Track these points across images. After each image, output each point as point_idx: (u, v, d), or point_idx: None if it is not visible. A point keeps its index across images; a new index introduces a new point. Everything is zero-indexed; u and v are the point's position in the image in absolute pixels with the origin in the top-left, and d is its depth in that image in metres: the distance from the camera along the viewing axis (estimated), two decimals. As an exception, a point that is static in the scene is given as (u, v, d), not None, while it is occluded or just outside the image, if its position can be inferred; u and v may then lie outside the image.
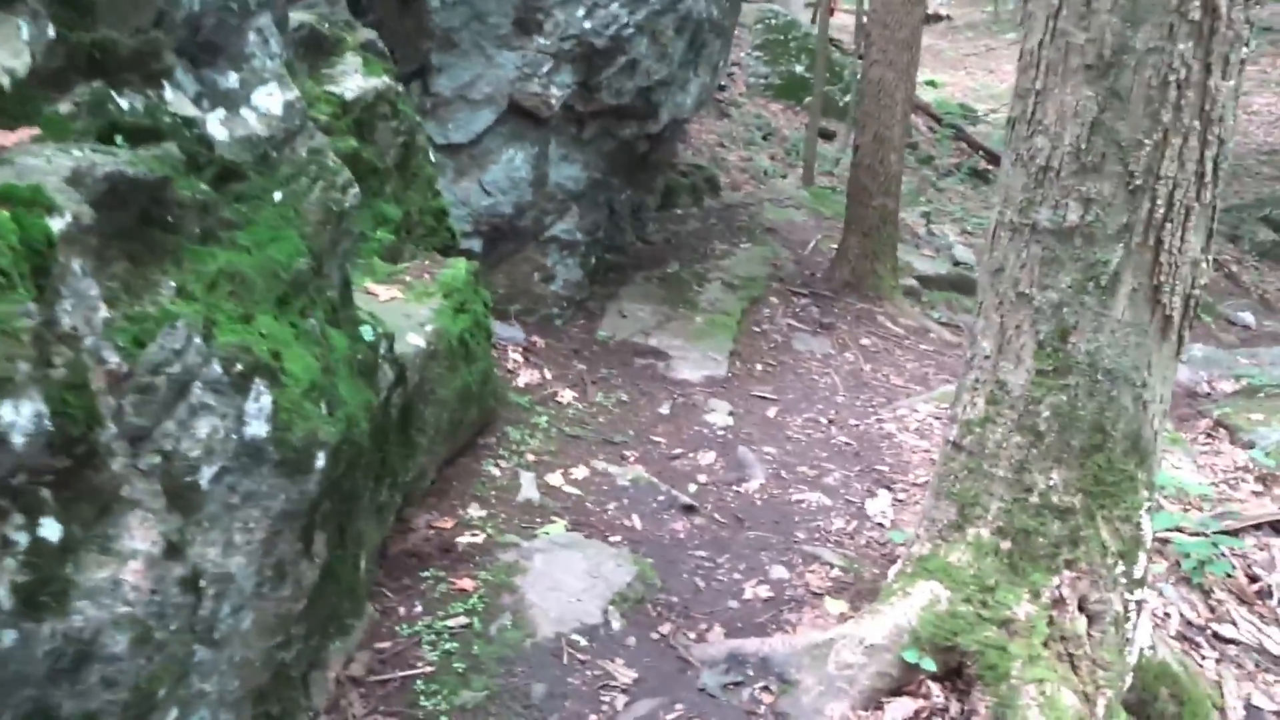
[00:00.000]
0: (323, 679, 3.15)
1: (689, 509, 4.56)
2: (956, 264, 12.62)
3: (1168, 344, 2.96)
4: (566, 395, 5.46)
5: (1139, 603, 3.20)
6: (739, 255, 8.40)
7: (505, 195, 5.58)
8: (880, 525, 4.66)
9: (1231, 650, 4.28)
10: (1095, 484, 3.03)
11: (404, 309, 3.94)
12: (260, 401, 2.18)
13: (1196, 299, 2.93)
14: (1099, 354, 2.91)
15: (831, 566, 4.15)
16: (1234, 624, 4.42)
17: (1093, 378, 2.93)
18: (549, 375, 5.61)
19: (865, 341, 7.20)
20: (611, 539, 4.25)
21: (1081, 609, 3.15)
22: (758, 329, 7.16)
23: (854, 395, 6.34)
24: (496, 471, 4.54)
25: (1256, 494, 5.96)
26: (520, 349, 5.70)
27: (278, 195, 2.66)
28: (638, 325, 6.67)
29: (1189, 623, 4.34)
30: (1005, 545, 3.14)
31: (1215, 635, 4.37)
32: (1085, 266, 2.85)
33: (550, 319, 6.27)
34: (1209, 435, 7.39)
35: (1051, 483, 3.05)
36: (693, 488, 4.89)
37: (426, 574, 3.71)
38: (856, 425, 5.83)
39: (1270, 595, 4.66)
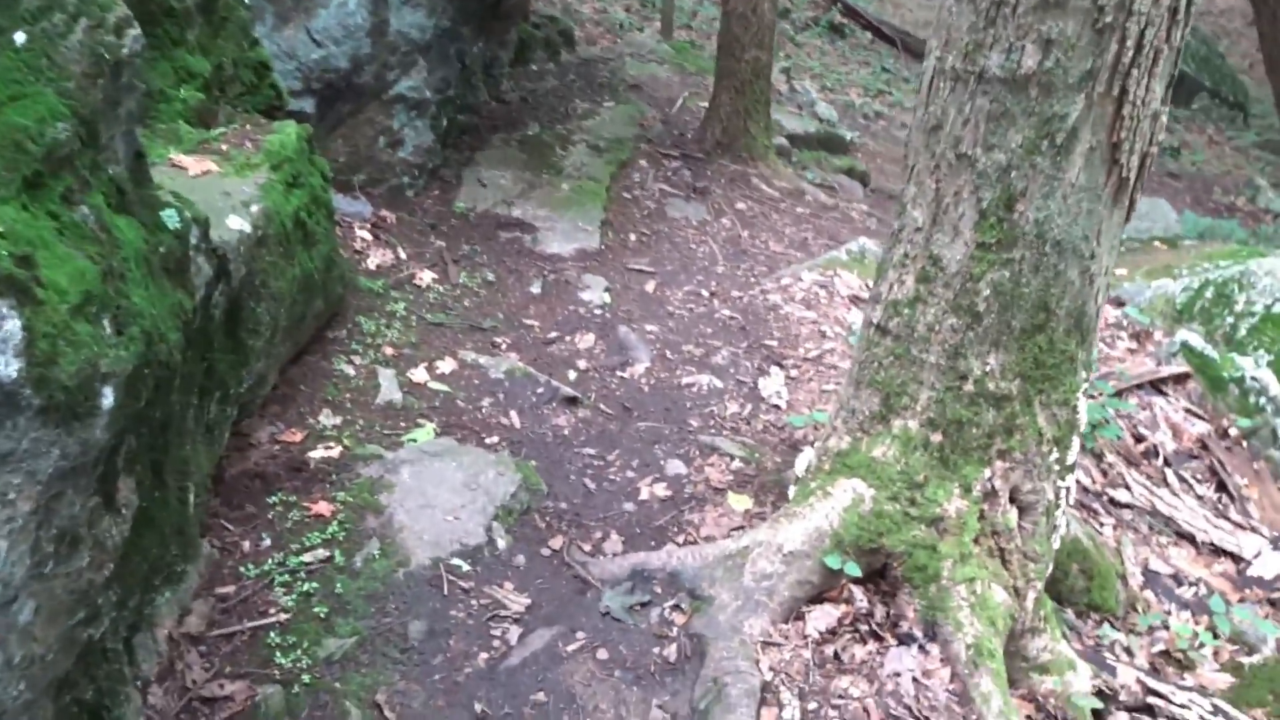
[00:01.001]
0: (151, 641, 2.59)
1: (572, 401, 4.10)
2: (820, 120, 12.28)
3: (1119, 210, 2.61)
4: (425, 277, 4.82)
5: (1068, 489, 2.97)
6: (603, 115, 7.73)
7: (339, 46, 4.74)
8: (776, 407, 4.32)
9: (1127, 515, 4.20)
10: (1035, 367, 2.71)
11: (222, 185, 3.21)
12: (3, 329, 1.53)
13: (1152, 157, 2.57)
14: (1048, 223, 2.53)
15: (731, 458, 3.79)
16: (1127, 488, 4.35)
17: (1040, 250, 2.57)
18: (404, 254, 4.94)
19: (741, 206, 6.76)
20: (489, 440, 3.75)
21: (1013, 500, 2.88)
22: (628, 195, 6.60)
23: (734, 264, 5.93)
24: (350, 370, 3.93)
25: (1132, 351, 5.96)
26: (368, 225, 4.99)
27: (20, 37, 1.92)
28: (499, 194, 6.00)
29: (1085, 489, 4.22)
30: (936, 438, 2.81)
31: (1111, 501, 4.28)
32: (1040, 122, 2.43)
33: (400, 190, 5.54)
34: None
35: (988, 368, 2.71)
36: (573, 375, 4.42)
37: (274, 499, 3.14)
38: (740, 297, 5.44)
39: (1156, 455, 4.61)
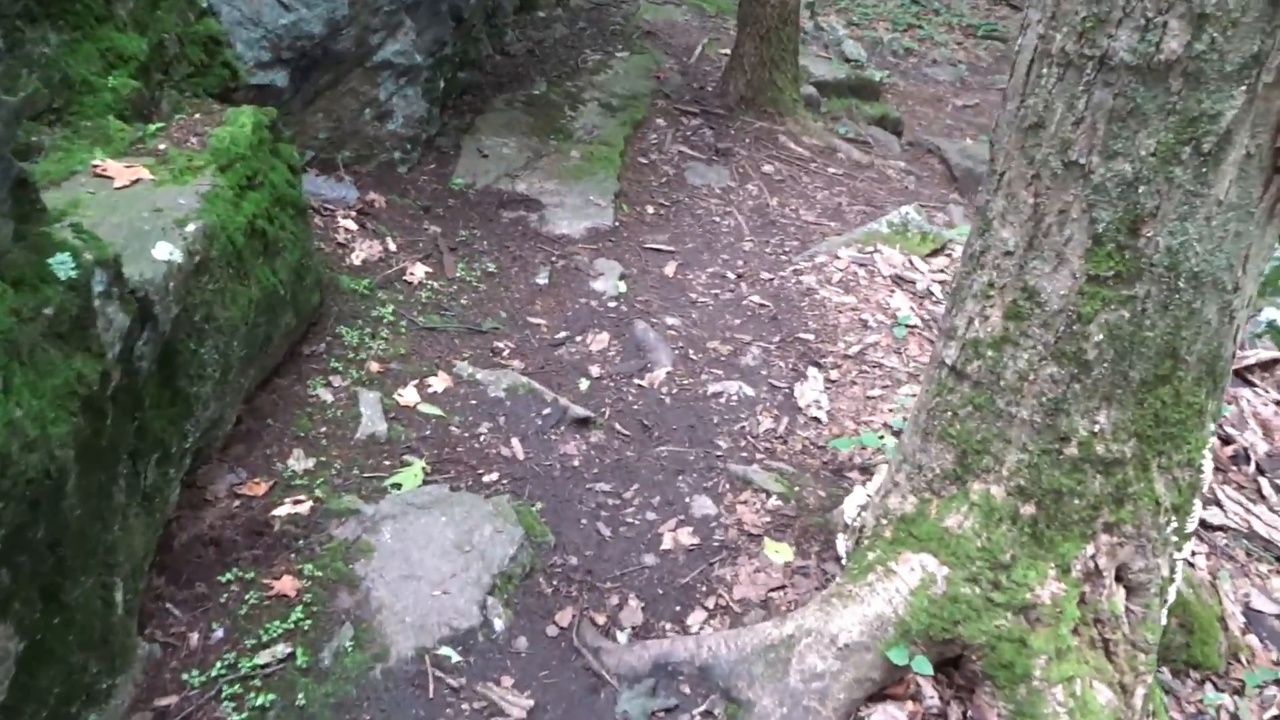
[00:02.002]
0: (71, 780, 2.11)
1: (583, 422, 3.55)
2: (847, 60, 11.47)
3: (1272, 229, 2.00)
4: (418, 271, 4.25)
5: (1185, 560, 2.41)
6: (615, 67, 7.05)
7: (312, 9, 4.12)
8: (816, 420, 3.76)
9: (1220, 539, 3.64)
10: (1155, 425, 2.13)
11: (154, 198, 2.65)
12: None
13: (1321, 161, 1.95)
14: (1183, 251, 1.93)
15: (766, 494, 3.24)
16: (1219, 505, 3.78)
17: (1171, 285, 1.97)
18: (393, 245, 4.37)
19: (768, 169, 6.11)
20: (487, 478, 3.22)
21: (1119, 578, 2.33)
22: (644, 160, 5.97)
23: (762, 238, 5.32)
24: (328, 395, 3.40)
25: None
26: (353, 213, 4.42)
27: None
28: (502, 166, 5.39)
29: (1170, 510, 3.67)
30: (1027, 509, 2.25)
31: (1201, 523, 3.73)
32: (1182, 122, 1.82)
33: (391, 166, 4.95)
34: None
35: (1097, 427, 2.13)
36: (585, 385, 3.87)
37: (230, 575, 2.63)
38: (770, 280, 4.84)
39: (1246, 460, 4.03)
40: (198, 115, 3.21)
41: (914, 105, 11.12)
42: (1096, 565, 2.27)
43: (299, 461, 3.07)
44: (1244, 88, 1.76)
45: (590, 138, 5.91)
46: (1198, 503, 2.34)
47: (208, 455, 2.97)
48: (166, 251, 2.45)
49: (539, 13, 8.14)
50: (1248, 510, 3.76)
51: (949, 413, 2.35)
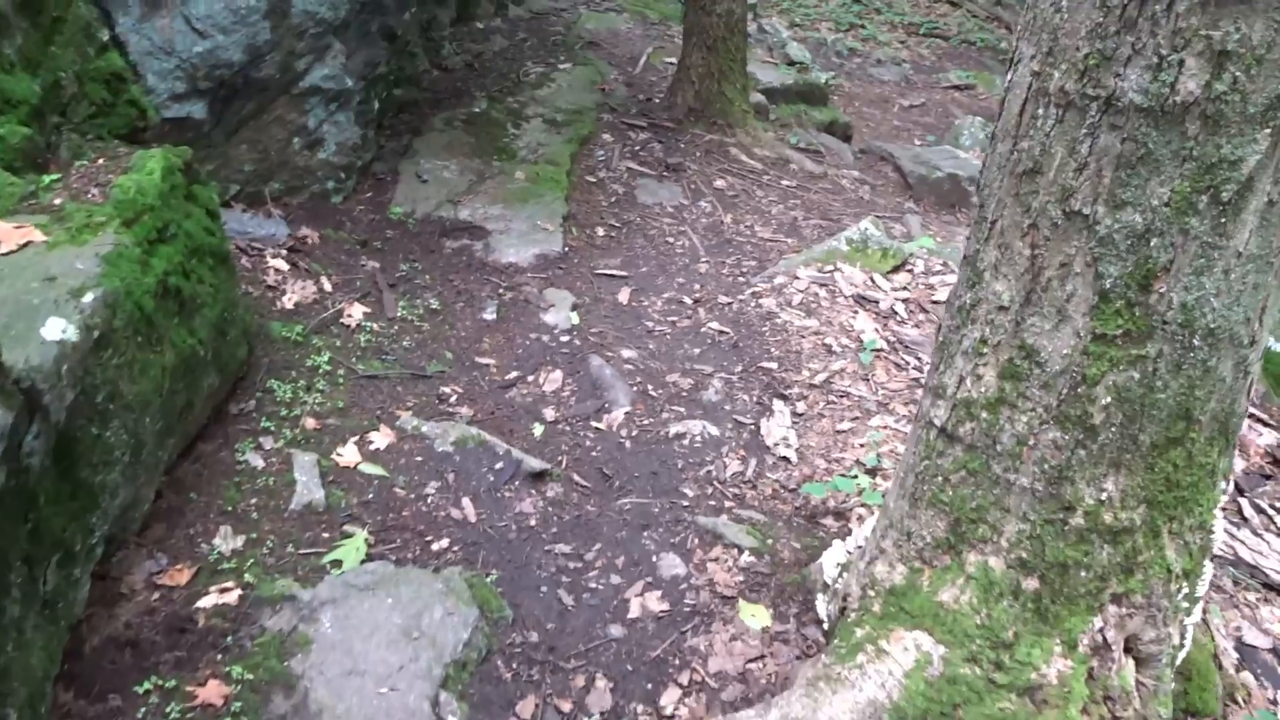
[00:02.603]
0: None
1: (538, 476, 3.30)
2: (792, 63, 11.31)
3: (1291, 277, 1.82)
4: (356, 312, 3.96)
5: (1195, 624, 2.23)
6: (558, 80, 6.79)
7: (229, 35, 3.80)
8: (785, 460, 3.55)
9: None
10: (1166, 489, 1.94)
11: (47, 264, 2.34)
12: None
13: (1341, 203, 1.77)
14: (1199, 308, 1.74)
15: (739, 549, 3.02)
16: (1201, 533, 3.64)
17: (1185, 343, 1.78)
18: (329, 285, 4.07)
19: (720, 184, 5.90)
20: (436, 545, 2.96)
21: (1129, 650, 2.15)
22: (593, 179, 5.72)
23: (718, 258, 5.10)
24: (258, 460, 3.10)
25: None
26: (284, 250, 4.11)
27: None
28: (443, 191, 5.11)
29: (1153, 539, 3.52)
30: (1030, 583, 2.05)
31: (1185, 553, 3.59)
32: (1199, 169, 1.62)
33: (325, 196, 4.64)
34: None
35: (1105, 495, 1.93)
36: (539, 431, 3.61)
37: (147, 684, 2.34)
38: (729, 304, 4.62)
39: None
40: (101, 161, 2.89)
41: (861, 107, 11.00)
42: (1105, 639, 2.08)
43: (226, 540, 2.78)
44: (1268, 130, 1.57)
45: (535, 157, 5.65)
46: (1209, 564, 2.16)
47: (123, 540, 2.67)
48: (59, 329, 2.15)
49: (477, 24, 7.85)
50: (1231, 535, 3.62)
51: (939, 478, 2.14)
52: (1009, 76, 1.87)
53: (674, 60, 7.62)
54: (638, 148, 6.12)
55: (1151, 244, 1.70)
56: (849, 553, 2.70)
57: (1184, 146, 1.61)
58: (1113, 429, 1.87)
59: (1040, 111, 1.76)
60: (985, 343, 1.99)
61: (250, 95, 4.07)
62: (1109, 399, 1.85)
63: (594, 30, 8.02)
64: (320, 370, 3.58)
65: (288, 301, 3.87)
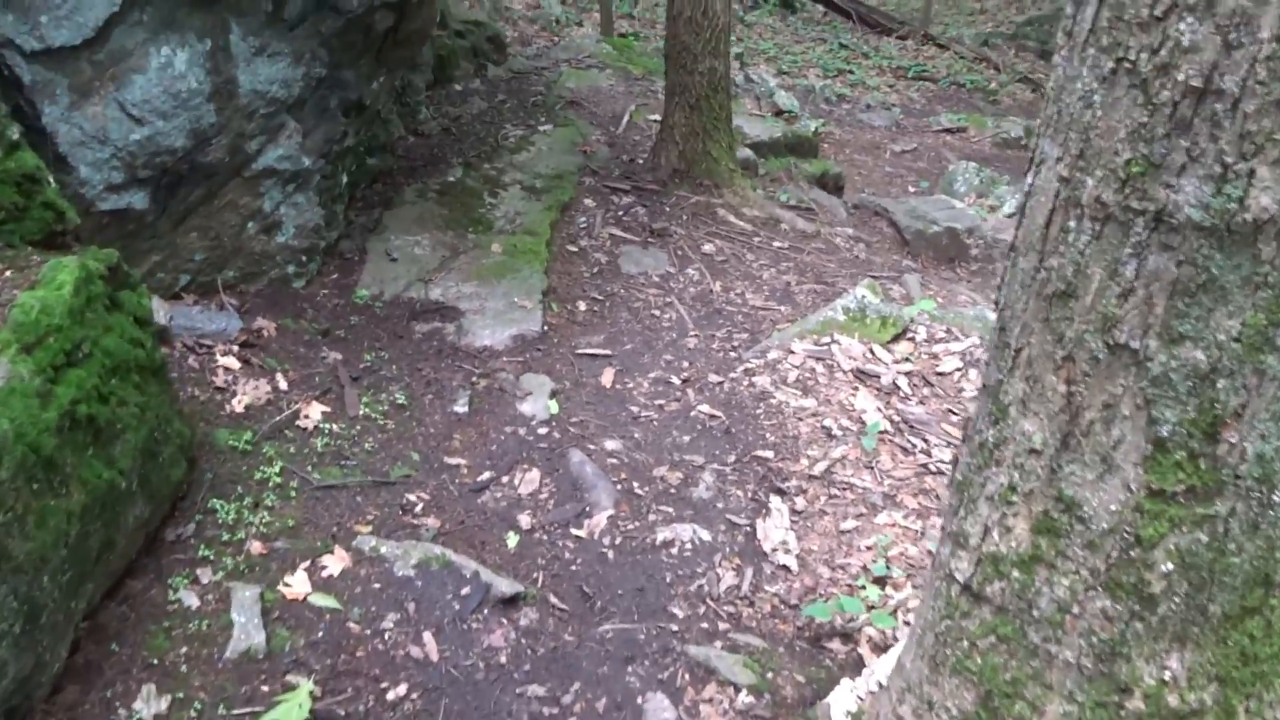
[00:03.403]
0: None
1: (510, 601, 2.95)
2: (780, 112, 11.10)
3: (1384, 411, 1.49)
4: (313, 413, 3.64)
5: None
6: (538, 143, 6.52)
7: (169, 120, 3.51)
8: (784, 569, 3.20)
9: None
10: (1241, 664, 1.60)
11: (-80, 408, 2.02)
12: None
13: None
14: (1278, 459, 1.41)
15: (735, 688, 2.66)
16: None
17: (1263, 499, 1.44)
18: (284, 383, 3.75)
19: (708, 248, 5.60)
20: (392, 694, 2.60)
21: (1198, 844, 1.79)
22: (574, 248, 5.43)
23: (708, 331, 4.79)
24: (192, 598, 2.76)
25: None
26: (235, 346, 3.79)
27: None
28: (413, 270, 4.81)
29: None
30: (1079, 775, 1.69)
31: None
32: (1275, 298, 1.31)
33: (285, 282, 4.33)
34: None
35: (1168, 674, 1.59)
36: (513, 542, 3.27)
37: None
38: (720, 384, 4.30)
39: None
40: (8, 274, 2.58)
41: (852, 154, 10.77)
42: (1171, 834, 1.72)
43: (149, 703, 2.42)
44: (1365, 251, 1.25)
45: (513, 227, 5.36)
46: (1287, 734, 1.81)
47: (28, 710, 2.32)
48: (-81, 496, 1.82)
49: (455, 86, 7.62)
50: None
51: (965, 641, 1.80)
52: (1029, 179, 1.56)
53: (658, 118, 7.37)
54: (621, 212, 5.83)
55: (1218, 386, 1.37)
56: (859, 699, 2.35)
57: (1257, 272, 1.29)
58: (1176, 599, 1.54)
59: (1072, 225, 1.44)
60: (1014, 490, 1.66)
61: (197, 181, 3.78)
62: (1170, 565, 1.51)
63: (575, 89, 7.79)
64: (270, 483, 3.25)
65: (237, 404, 3.54)
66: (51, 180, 2.79)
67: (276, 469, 3.30)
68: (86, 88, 3.29)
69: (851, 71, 13.27)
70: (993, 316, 4.74)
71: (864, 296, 4.66)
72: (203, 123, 3.63)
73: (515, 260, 5.01)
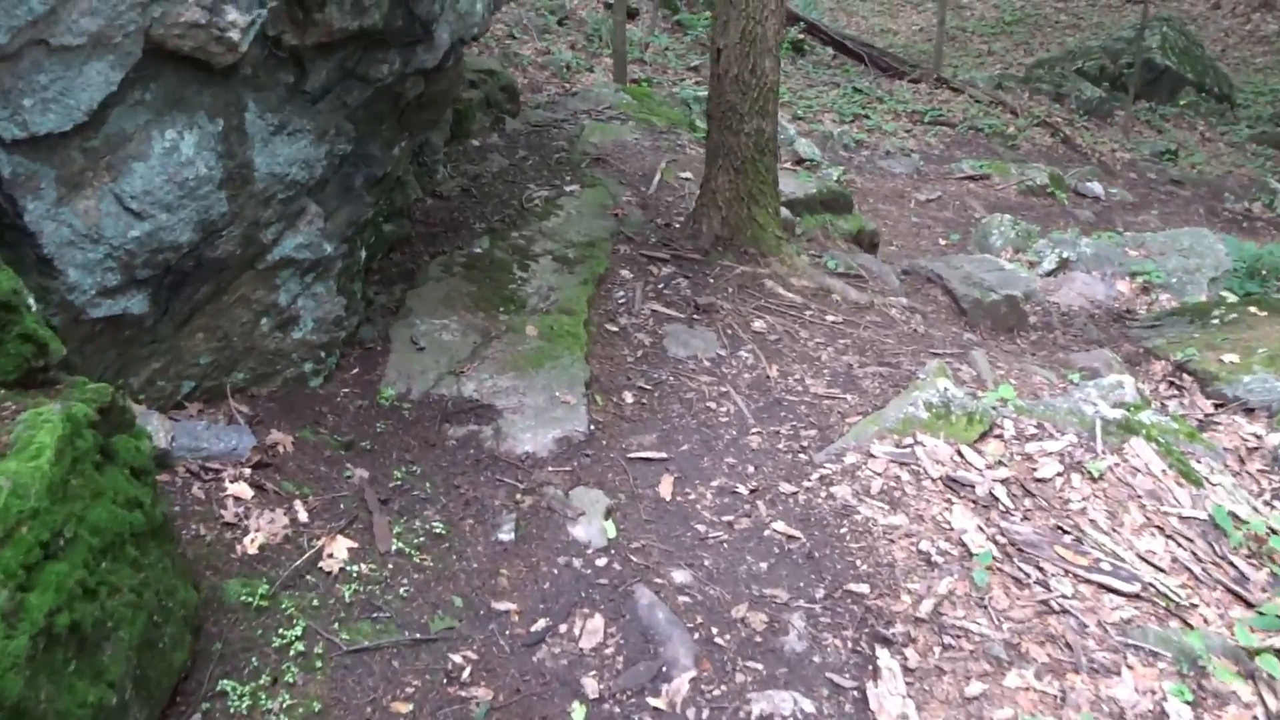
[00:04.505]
0: None
1: (588, 813, 2.39)
2: (801, 161, 10.66)
3: None
4: (339, 550, 3.08)
5: None
6: (566, 207, 6.02)
7: (174, 212, 2.98)
8: (909, 752, 2.64)
9: None
10: None
11: None
12: None
13: None
14: None
15: None
16: None
17: None
18: (304, 513, 3.19)
19: (759, 325, 5.08)
20: None
21: None
22: (614, 327, 4.90)
23: (770, 426, 4.25)
24: (200, 829, 2.19)
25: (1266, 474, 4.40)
26: (247, 470, 3.23)
27: None
28: (443, 360, 4.27)
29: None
30: None
31: None
32: None
33: (301, 382, 3.79)
34: (1173, 385, 5.83)
35: None
36: (580, 717, 2.71)
37: None
38: (793, 494, 3.76)
39: None
40: (-28, 430, 2.03)
41: (876, 203, 10.31)
42: None
43: None
44: None
45: (547, 305, 4.83)
46: None
47: None
48: None
49: (473, 141, 7.12)
50: None
51: None
52: None
53: (689, 176, 6.90)
54: (661, 285, 5.32)
55: None
56: None
57: None
58: None
59: None
60: None
61: (205, 278, 3.24)
62: None
63: (599, 144, 7.30)
64: (291, 651, 2.68)
65: (250, 544, 2.98)
66: (32, 305, 2.25)
67: (298, 630, 2.74)
68: (77, 179, 2.76)
69: (868, 116, 12.86)
70: (1089, 410, 4.21)
71: (947, 391, 4.14)
72: (212, 213, 3.10)
73: (553, 345, 4.48)
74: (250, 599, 2.78)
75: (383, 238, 5.17)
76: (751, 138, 5.32)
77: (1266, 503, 4.10)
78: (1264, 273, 8.17)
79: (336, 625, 2.82)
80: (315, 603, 2.88)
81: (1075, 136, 13.15)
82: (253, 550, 2.96)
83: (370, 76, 3.44)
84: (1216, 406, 5.28)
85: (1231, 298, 7.14)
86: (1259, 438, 4.68)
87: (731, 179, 5.42)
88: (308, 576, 2.96)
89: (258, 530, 3.01)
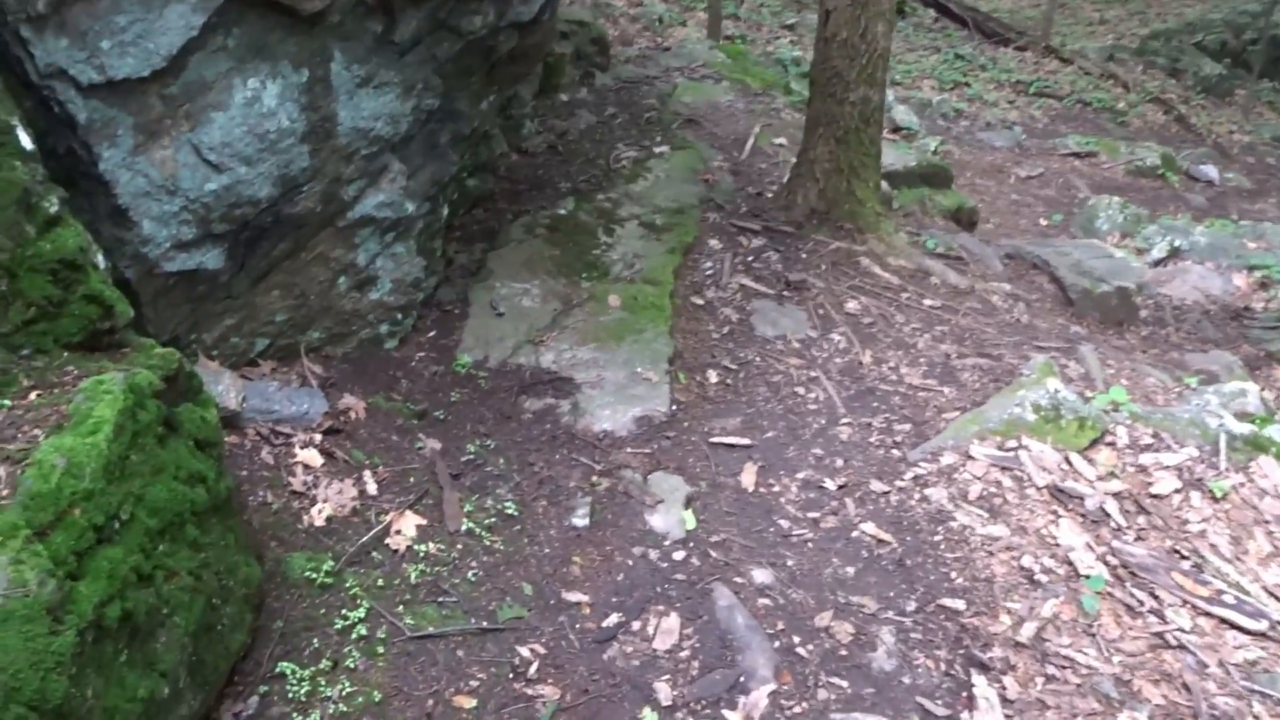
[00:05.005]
0: None
1: (657, 839, 2.21)
2: (898, 129, 10.18)
3: None
4: (407, 528, 2.94)
5: None
6: (655, 169, 5.76)
7: (254, 166, 2.83)
8: (1008, 799, 2.41)
9: None
10: None
11: None
12: None
13: None
14: None
15: None
16: None
17: None
18: (373, 484, 3.05)
19: (852, 306, 4.79)
20: None
21: None
22: (700, 300, 4.66)
23: (861, 417, 3.98)
24: (251, 825, 2.07)
25: None
26: (318, 435, 3.10)
27: None
28: (522, 327, 4.09)
29: None
30: None
31: None
32: None
33: (376, 344, 3.65)
34: (1298, 394, 5.37)
35: None
36: (651, 726, 2.53)
37: None
38: (884, 493, 3.51)
39: None
40: (34, 396, 1.91)
41: (974, 178, 9.80)
42: None
43: None
44: None
45: (631, 273, 4.61)
46: None
47: None
48: None
49: (561, 96, 6.88)
50: None
51: None
52: None
53: (784, 142, 6.56)
54: (751, 257, 5.05)
55: None
56: None
57: None
58: None
59: None
60: None
61: (283, 234, 3.10)
62: None
63: (691, 104, 7.00)
64: (354, 634, 2.55)
65: (317, 515, 2.86)
66: (100, 264, 2.11)
67: (361, 611, 2.61)
68: (155, 128, 2.61)
69: (969, 85, 12.23)
70: (1212, 421, 3.85)
71: (1058, 391, 3.82)
72: (293, 168, 2.93)
73: (636, 317, 4.27)
74: (314, 575, 2.65)
75: (466, 193, 4.99)
76: (857, 107, 4.98)
77: None
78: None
79: (401, 608, 2.68)
80: (380, 582, 2.74)
81: (1190, 115, 12.34)
82: (319, 522, 2.83)
83: (462, 28, 3.22)
84: (1347, 421, 4.83)
85: (1363, 299, 6.57)
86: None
87: (832, 150, 5.10)
88: (374, 553, 2.83)
89: (325, 501, 2.88)
